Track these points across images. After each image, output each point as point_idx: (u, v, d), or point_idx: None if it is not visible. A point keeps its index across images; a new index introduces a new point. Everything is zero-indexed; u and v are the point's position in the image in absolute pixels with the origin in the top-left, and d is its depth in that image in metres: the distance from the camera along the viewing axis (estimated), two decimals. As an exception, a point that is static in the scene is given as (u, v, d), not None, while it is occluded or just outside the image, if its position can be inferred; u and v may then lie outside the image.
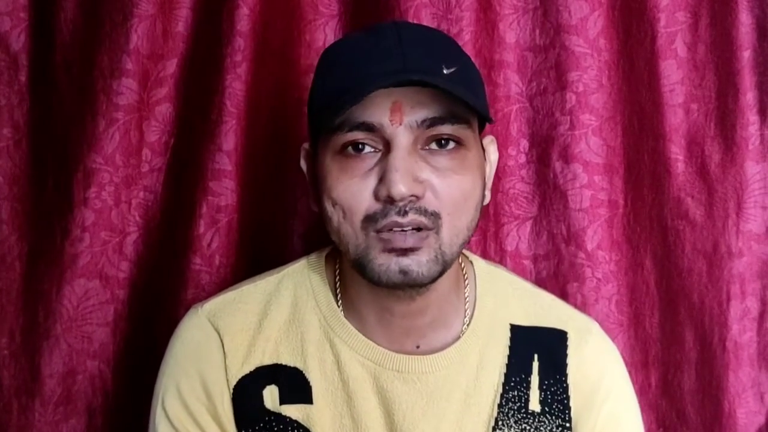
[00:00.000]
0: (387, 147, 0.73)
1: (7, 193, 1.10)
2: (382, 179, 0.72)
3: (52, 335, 1.07)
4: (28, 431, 1.07)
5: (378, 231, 0.73)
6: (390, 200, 0.72)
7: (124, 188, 1.09)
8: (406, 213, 0.72)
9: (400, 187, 0.71)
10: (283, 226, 1.13)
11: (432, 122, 0.73)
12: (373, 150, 0.74)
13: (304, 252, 0.90)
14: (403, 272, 0.73)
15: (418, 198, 0.72)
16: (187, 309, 0.87)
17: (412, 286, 0.75)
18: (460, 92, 0.72)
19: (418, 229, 0.73)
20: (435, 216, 0.73)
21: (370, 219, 0.73)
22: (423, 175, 0.73)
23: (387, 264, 0.73)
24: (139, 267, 1.10)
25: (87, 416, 1.09)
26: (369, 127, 0.73)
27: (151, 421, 0.82)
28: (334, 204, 0.75)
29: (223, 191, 1.08)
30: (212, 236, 1.08)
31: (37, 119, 1.11)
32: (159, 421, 0.81)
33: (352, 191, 0.74)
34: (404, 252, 0.73)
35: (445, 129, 0.74)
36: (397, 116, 0.72)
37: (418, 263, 0.73)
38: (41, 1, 1.11)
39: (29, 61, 1.11)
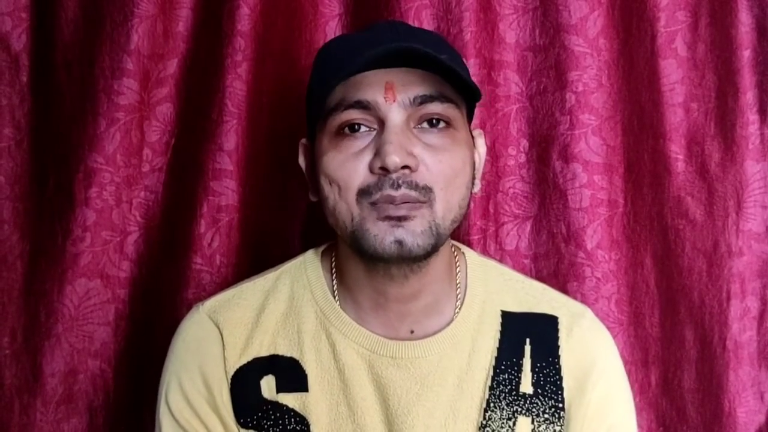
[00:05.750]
0: (381, 125, 0.77)
1: (8, 193, 1.10)
2: (377, 153, 0.76)
3: (53, 335, 1.07)
4: (29, 430, 1.08)
5: (372, 203, 0.76)
6: (384, 171, 0.75)
7: (125, 188, 1.09)
8: (399, 186, 0.75)
9: (394, 158, 0.74)
10: (283, 225, 1.13)
11: (423, 100, 0.77)
12: (367, 129, 0.77)
13: (304, 251, 0.90)
14: (398, 242, 0.75)
15: (411, 170, 0.75)
16: (188, 308, 0.89)
17: (406, 259, 0.77)
18: (450, 65, 0.75)
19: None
20: (427, 190, 0.76)
21: (364, 192, 0.76)
22: (415, 150, 0.76)
23: (382, 235, 0.75)
24: (140, 266, 1.11)
25: (88, 415, 1.10)
26: (364, 106, 0.77)
27: (156, 416, 0.84)
28: (331, 182, 0.78)
29: (223, 191, 1.08)
30: (213, 236, 1.08)
31: (38, 119, 1.11)
32: (163, 416, 0.83)
33: (347, 167, 0.77)
34: (398, 220, 0.75)
35: (435, 107, 0.77)
36: (391, 94, 0.76)
37: (413, 233, 0.75)
38: (42, 1, 1.11)
39: (30, 61, 1.11)
